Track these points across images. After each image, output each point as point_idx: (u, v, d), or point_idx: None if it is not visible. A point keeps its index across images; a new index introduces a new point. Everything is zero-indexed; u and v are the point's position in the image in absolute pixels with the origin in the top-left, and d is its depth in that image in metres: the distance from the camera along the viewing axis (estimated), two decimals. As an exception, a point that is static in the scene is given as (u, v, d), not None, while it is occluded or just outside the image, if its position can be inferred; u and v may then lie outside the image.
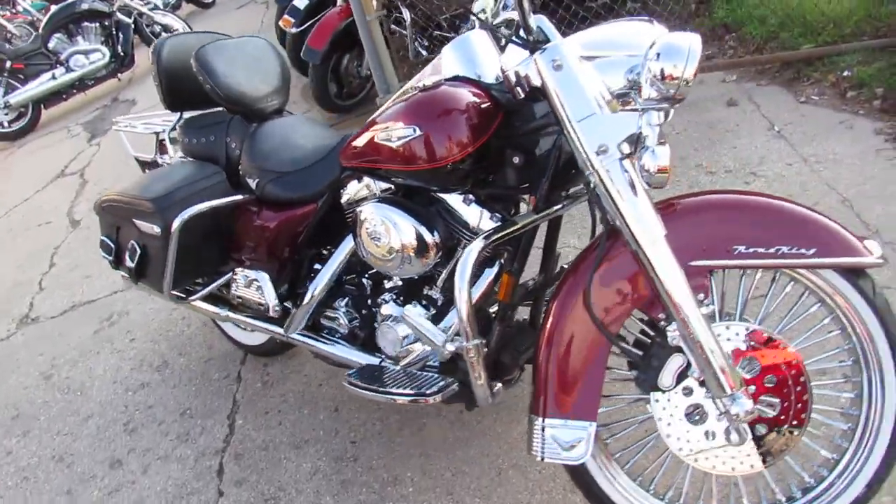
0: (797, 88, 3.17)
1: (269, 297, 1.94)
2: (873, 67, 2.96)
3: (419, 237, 1.58)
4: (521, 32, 1.32)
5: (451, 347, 1.41)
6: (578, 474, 1.43)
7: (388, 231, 1.60)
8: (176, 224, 1.89)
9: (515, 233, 1.45)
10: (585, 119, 1.26)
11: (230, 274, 2.08)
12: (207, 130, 2.17)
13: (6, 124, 6.97)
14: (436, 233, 1.59)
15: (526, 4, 1.25)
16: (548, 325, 1.39)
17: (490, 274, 1.61)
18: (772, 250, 1.30)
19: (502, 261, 1.62)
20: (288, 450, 2.12)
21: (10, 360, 3.22)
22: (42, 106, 7.15)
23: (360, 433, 2.09)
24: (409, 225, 1.58)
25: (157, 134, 2.37)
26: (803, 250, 1.29)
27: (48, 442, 2.57)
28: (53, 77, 6.87)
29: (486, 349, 1.45)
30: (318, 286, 1.88)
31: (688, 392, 1.35)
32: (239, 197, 1.98)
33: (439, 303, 1.64)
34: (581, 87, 1.26)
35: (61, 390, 2.85)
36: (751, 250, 1.31)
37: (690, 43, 1.15)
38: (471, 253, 1.35)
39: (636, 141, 1.23)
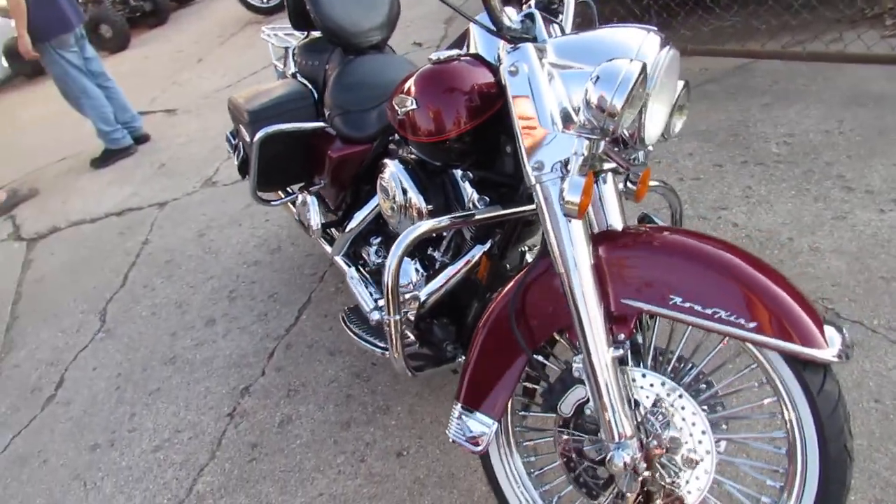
0: None
1: (314, 219, 2.14)
2: None
3: (415, 202, 1.65)
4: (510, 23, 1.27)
5: (375, 316, 1.51)
6: (483, 459, 1.49)
7: (392, 189, 1.69)
8: (257, 137, 2.13)
9: (466, 222, 1.47)
10: (530, 136, 1.22)
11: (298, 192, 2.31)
12: (315, 55, 2.35)
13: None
14: (432, 203, 1.65)
15: (493, 3, 1.20)
16: (482, 321, 1.42)
17: (477, 252, 1.65)
18: (708, 311, 1.18)
19: (493, 241, 1.64)
20: (324, 354, 2.39)
21: (185, 213, 3.87)
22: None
23: (381, 358, 2.27)
24: (411, 189, 1.66)
25: (286, 48, 2.60)
26: (742, 321, 1.16)
27: (178, 288, 3.12)
28: None
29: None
30: (357, 220, 2.04)
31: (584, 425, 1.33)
32: (312, 125, 2.16)
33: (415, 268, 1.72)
34: (531, 98, 1.22)
35: (204, 249, 3.40)
36: (686, 305, 1.20)
37: (627, 71, 1.05)
38: (410, 233, 1.39)
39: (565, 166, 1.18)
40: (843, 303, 1.94)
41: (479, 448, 1.39)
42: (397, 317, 1.44)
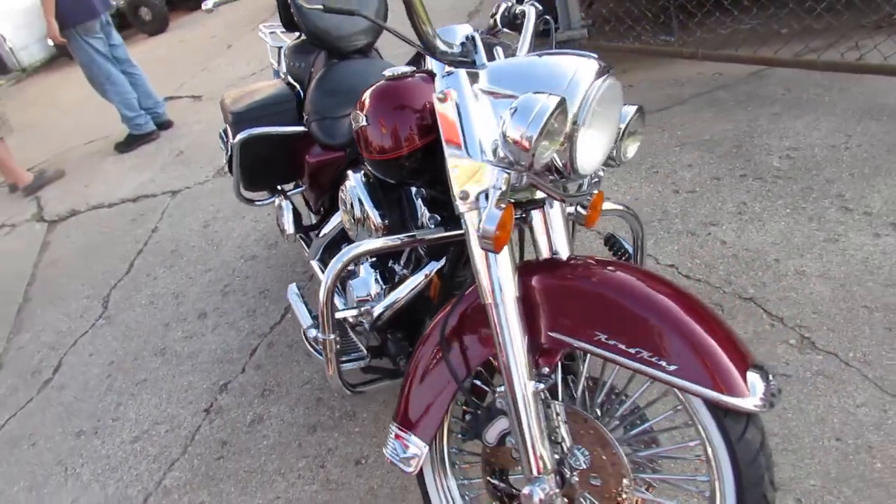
0: None
1: (287, 224, 2.15)
2: None
3: (370, 217, 1.64)
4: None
5: (311, 334, 1.51)
6: (419, 478, 1.48)
7: (350, 201, 1.69)
8: (237, 139, 2.15)
9: (405, 244, 1.45)
10: (458, 164, 1.20)
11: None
12: (302, 57, 2.35)
13: None
14: (387, 218, 1.64)
15: (422, 25, 1.17)
16: (420, 344, 1.41)
17: (430, 269, 1.63)
18: (632, 350, 1.15)
19: (446, 259, 1.62)
20: (302, 354, 2.41)
21: (195, 203, 3.94)
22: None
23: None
24: (367, 203, 1.65)
25: (279, 48, 2.61)
26: (663, 363, 1.12)
27: (177, 279, 3.19)
28: None
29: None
30: (330, 225, 2.04)
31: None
32: (292, 129, 2.16)
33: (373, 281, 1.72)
34: (459, 126, 1.19)
35: (206, 240, 3.46)
36: (611, 342, 1.17)
37: (542, 105, 1.01)
38: (345, 255, 1.38)
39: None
40: (822, 332, 1.87)
41: (411, 469, 1.39)
42: (332, 336, 1.44)
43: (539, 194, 1.27)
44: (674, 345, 1.12)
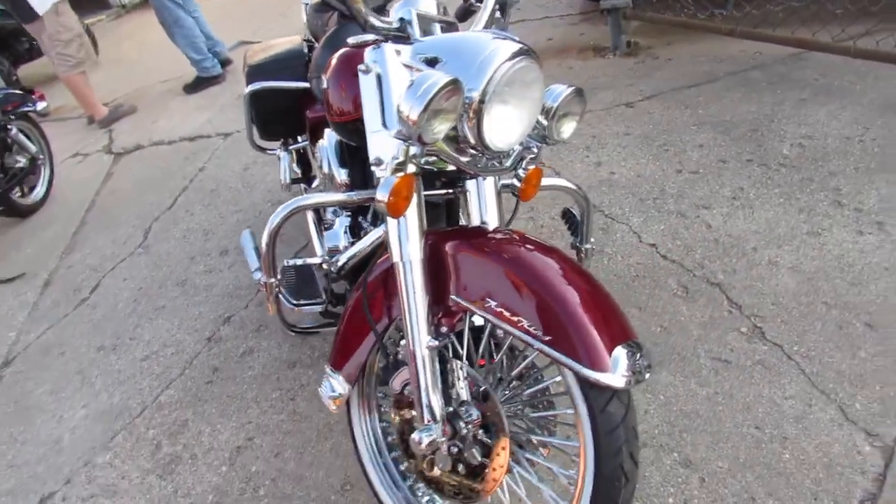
0: None
1: (283, 173, 2.31)
2: None
3: (335, 175, 1.77)
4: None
5: (256, 277, 1.65)
6: (349, 419, 1.63)
7: (320, 158, 1.82)
8: (246, 91, 2.30)
9: (338, 203, 1.57)
10: (375, 133, 1.30)
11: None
12: (319, 15, 2.46)
13: None
14: (346, 174, 1.76)
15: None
16: (352, 294, 1.53)
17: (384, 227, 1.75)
18: (514, 318, 1.24)
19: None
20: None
21: (241, 146, 4.15)
22: None
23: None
24: (333, 161, 1.78)
25: (305, 5, 2.73)
26: (540, 332, 1.21)
27: (210, 217, 3.43)
28: None
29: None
30: (318, 179, 2.18)
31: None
32: (297, 84, 2.29)
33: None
34: (378, 97, 1.29)
35: (243, 182, 3.68)
36: (498, 309, 1.26)
37: (431, 83, 1.09)
38: (284, 209, 1.51)
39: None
40: (774, 323, 1.88)
41: (335, 407, 1.54)
42: (272, 280, 1.59)
43: None
44: (551, 318, 1.20)
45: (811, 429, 1.59)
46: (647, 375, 1.17)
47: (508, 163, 1.46)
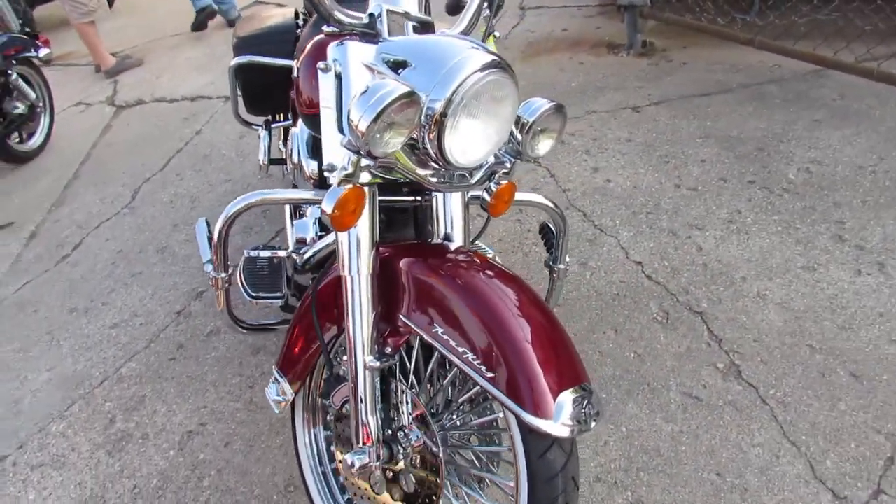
0: None
1: (261, 153, 2.23)
2: None
3: (303, 165, 1.68)
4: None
5: (207, 269, 1.58)
6: (291, 420, 1.57)
7: (290, 147, 1.74)
8: (231, 64, 2.21)
9: (293, 201, 1.49)
10: (330, 136, 1.21)
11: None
12: (316, -10, 2.36)
13: None
14: (316, 168, 1.67)
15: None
16: (304, 299, 1.46)
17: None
18: (459, 349, 1.16)
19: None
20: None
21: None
22: None
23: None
24: (302, 151, 1.70)
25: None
26: (483, 368, 1.13)
27: (199, 183, 3.36)
28: None
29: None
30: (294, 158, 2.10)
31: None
32: (282, 62, 2.19)
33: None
34: (337, 99, 1.20)
35: (237, 151, 3.61)
36: (444, 337, 1.19)
37: (383, 93, 0.99)
38: (238, 202, 1.43)
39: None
40: (753, 362, 1.79)
41: (278, 411, 1.48)
42: (223, 274, 1.52)
43: None
44: (497, 354, 1.12)
45: (775, 482, 1.51)
46: (594, 425, 1.10)
47: (476, 178, 1.36)
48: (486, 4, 1.45)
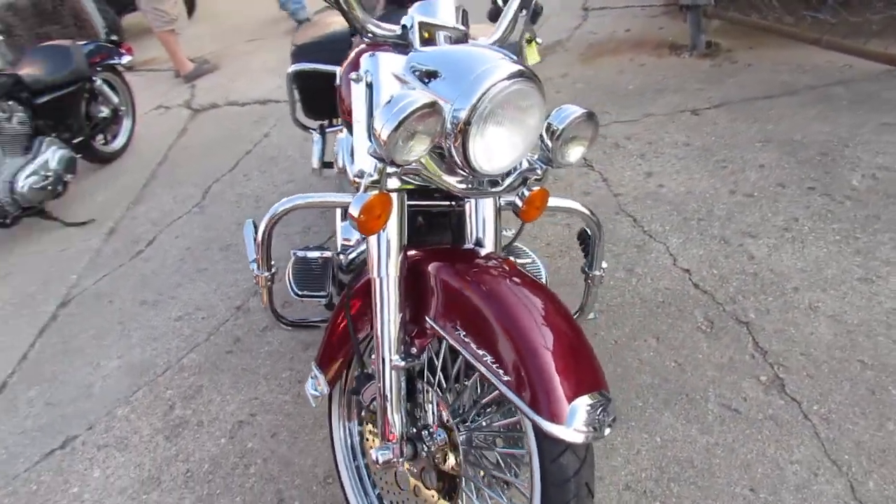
0: None
1: (314, 156, 2.31)
2: None
3: (348, 170, 1.75)
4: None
5: (253, 269, 1.66)
6: (329, 415, 1.64)
7: (337, 151, 1.81)
8: (288, 71, 2.31)
9: (333, 206, 1.54)
10: (361, 144, 1.27)
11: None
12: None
13: None
14: (350, 166, 1.74)
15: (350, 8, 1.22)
16: (342, 300, 1.52)
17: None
18: (480, 352, 1.20)
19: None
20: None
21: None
22: None
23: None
24: (347, 155, 1.76)
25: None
26: (501, 371, 1.16)
27: (265, 184, 3.51)
28: None
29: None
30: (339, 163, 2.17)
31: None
32: (332, 68, 2.27)
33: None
34: (368, 109, 1.25)
35: (301, 153, 3.75)
36: (467, 340, 1.22)
37: (406, 103, 1.03)
38: (281, 205, 1.51)
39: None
40: (798, 376, 1.74)
41: (314, 405, 1.55)
42: (266, 273, 1.60)
43: None
44: (515, 358, 1.15)
45: (811, 501, 1.47)
46: (608, 431, 1.11)
47: (505, 184, 1.39)
48: (523, 11, 1.47)
